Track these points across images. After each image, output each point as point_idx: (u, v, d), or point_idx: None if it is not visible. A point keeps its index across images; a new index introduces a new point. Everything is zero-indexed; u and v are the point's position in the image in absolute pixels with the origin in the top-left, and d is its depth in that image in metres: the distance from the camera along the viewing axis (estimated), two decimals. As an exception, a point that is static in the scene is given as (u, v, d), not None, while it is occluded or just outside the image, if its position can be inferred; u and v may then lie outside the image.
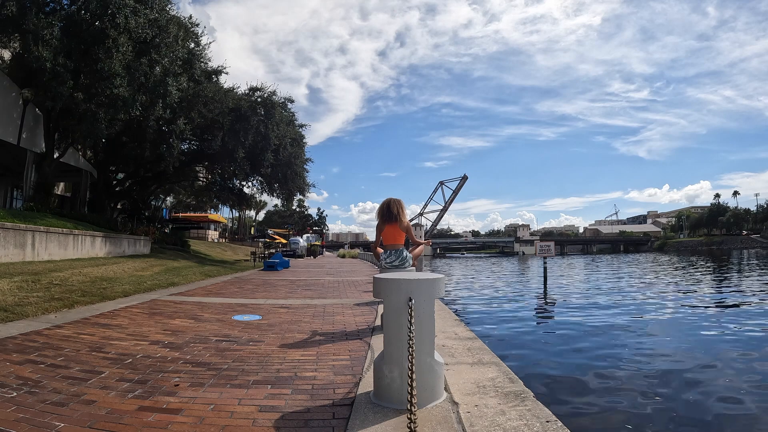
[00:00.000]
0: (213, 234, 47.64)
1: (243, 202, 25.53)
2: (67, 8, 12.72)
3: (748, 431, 3.44)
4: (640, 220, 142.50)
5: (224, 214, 60.10)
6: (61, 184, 22.85)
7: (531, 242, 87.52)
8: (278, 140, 18.78)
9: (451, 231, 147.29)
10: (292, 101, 20.71)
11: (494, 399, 2.16)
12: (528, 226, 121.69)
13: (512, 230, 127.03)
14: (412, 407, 1.51)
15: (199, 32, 17.43)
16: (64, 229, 10.62)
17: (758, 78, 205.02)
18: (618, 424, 3.57)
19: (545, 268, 14.67)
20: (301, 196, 28.83)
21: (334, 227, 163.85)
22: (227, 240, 50.32)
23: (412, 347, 1.72)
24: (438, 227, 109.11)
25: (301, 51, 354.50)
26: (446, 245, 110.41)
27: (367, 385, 2.38)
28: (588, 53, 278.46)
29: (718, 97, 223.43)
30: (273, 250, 25.10)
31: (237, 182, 22.40)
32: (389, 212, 4.11)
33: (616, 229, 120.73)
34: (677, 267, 26.90)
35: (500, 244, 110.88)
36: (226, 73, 19.24)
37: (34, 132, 14.15)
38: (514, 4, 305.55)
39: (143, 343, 3.43)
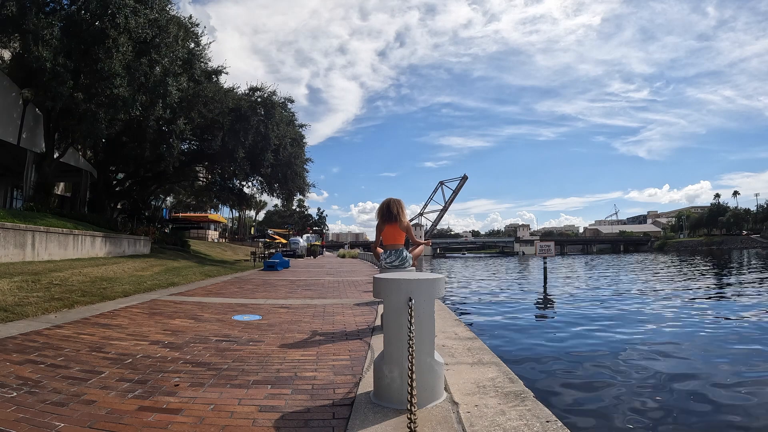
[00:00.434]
0: (213, 234, 47.64)
1: (243, 202, 25.53)
2: (67, 8, 12.72)
3: (750, 429, 3.44)
4: (640, 220, 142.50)
5: (224, 214, 60.19)
6: (61, 184, 22.86)
7: (531, 242, 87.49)
8: (278, 140, 18.78)
9: (451, 231, 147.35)
10: (292, 101, 20.73)
11: (494, 399, 2.16)
12: (528, 226, 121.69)
13: (512, 230, 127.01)
14: (412, 407, 1.51)
15: (199, 32, 17.45)
16: (64, 229, 10.62)
17: (758, 78, 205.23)
18: (618, 424, 3.57)
19: (545, 268, 14.68)
20: (301, 196, 28.87)
21: (334, 227, 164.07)
22: (227, 240, 50.32)
23: (412, 347, 1.72)
24: (438, 227, 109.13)
25: (300, 51, 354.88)
26: (446, 245, 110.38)
27: (367, 385, 2.38)
28: (588, 53, 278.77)
29: (718, 97, 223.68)
30: (273, 250, 25.10)
31: (237, 182, 22.41)
32: (389, 212, 4.11)
33: (616, 229, 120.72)
34: (677, 267, 26.91)
35: (500, 244, 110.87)
36: (226, 73, 19.26)
37: (34, 132, 14.16)
38: (514, 4, 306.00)
39: (143, 343, 3.44)
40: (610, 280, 18.49)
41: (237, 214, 63.03)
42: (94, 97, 12.36)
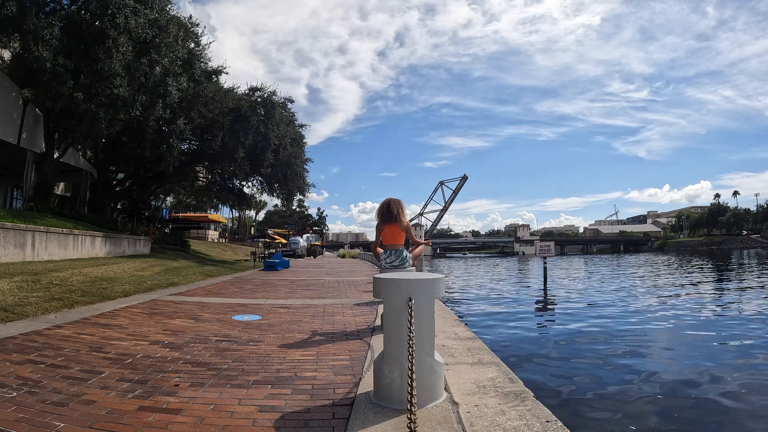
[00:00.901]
0: (213, 234, 47.64)
1: (243, 202, 25.53)
2: (67, 8, 12.72)
3: (749, 429, 3.44)
4: (640, 220, 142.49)
5: (224, 214, 60.17)
6: (61, 184, 22.85)
7: (531, 242, 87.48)
8: (278, 140, 18.78)
9: (451, 231, 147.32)
10: (292, 101, 20.74)
11: (494, 399, 2.16)
12: (528, 226, 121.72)
13: (512, 230, 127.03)
14: (412, 407, 1.51)
15: (200, 32, 17.46)
16: (64, 229, 10.62)
17: (758, 78, 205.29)
18: (619, 424, 3.57)
19: (545, 268, 14.68)
20: (301, 196, 28.86)
21: (334, 227, 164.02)
22: (227, 240, 50.31)
23: (412, 347, 1.72)
24: (438, 227, 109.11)
25: (300, 51, 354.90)
26: (446, 245, 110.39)
27: (367, 385, 2.38)
28: (587, 53, 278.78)
29: (718, 97, 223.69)
30: (273, 250, 25.10)
31: (237, 182, 22.41)
32: (389, 212, 4.11)
33: (616, 229, 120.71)
34: (677, 267, 26.92)
35: (500, 244, 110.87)
36: (226, 73, 19.27)
37: (34, 132, 14.15)
38: (514, 4, 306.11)
39: (143, 343, 3.43)
40: (611, 281, 18.49)
41: (237, 214, 63.04)
42: (94, 97, 12.36)
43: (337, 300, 6.48)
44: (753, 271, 20.80)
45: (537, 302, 11.86)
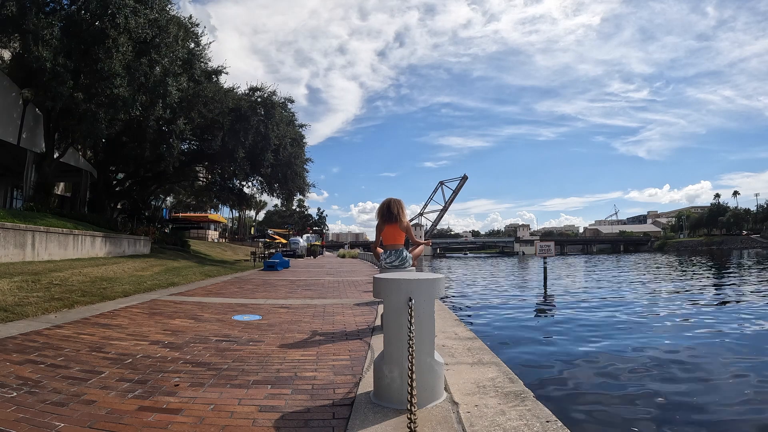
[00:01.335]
0: (213, 234, 47.64)
1: (243, 202, 25.53)
2: (67, 8, 12.72)
3: (750, 429, 3.44)
4: (640, 220, 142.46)
5: (224, 214, 60.19)
6: (61, 184, 22.85)
7: (531, 242, 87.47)
8: (278, 140, 18.78)
9: (451, 231, 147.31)
10: (292, 101, 20.74)
11: (494, 399, 2.16)
12: (528, 226, 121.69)
13: (512, 230, 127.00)
14: (412, 407, 1.51)
15: (200, 32, 17.46)
16: (64, 229, 10.62)
17: (758, 78, 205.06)
18: (619, 424, 3.57)
19: (545, 268, 14.68)
20: (301, 196, 28.87)
21: (334, 227, 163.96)
22: (227, 240, 50.32)
23: (412, 347, 1.72)
24: (438, 227, 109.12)
25: (300, 51, 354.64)
26: (446, 245, 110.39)
27: (367, 385, 2.38)
28: (587, 53, 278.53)
29: (718, 97, 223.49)
30: (273, 250, 25.10)
31: (237, 182, 22.41)
32: (389, 212, 4.11)
33: (616, 229, 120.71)
34: (678, 267, 26.92)
35: (500, 244, 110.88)
36: (226, 73, 19.26)
37: (34, 132, 14.16)
38: (513, 4, 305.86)
39: (143, 343, 3.44)
40: (611, 281, 18.49)
41: (237, 214, 63.05)
42: (94, 97, 12.36)
43: (337, 300, 6.48)
44: (752, 272, 20.81)
45: (537, 302, 11.87)
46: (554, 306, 11.01)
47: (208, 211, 50.54)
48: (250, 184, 22.76)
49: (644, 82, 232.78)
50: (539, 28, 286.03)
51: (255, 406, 2.13)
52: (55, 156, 14.71)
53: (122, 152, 18.36)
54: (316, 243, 46.23)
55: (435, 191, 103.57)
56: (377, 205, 4.33)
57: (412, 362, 1.65)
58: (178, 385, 2.43)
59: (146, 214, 24.61)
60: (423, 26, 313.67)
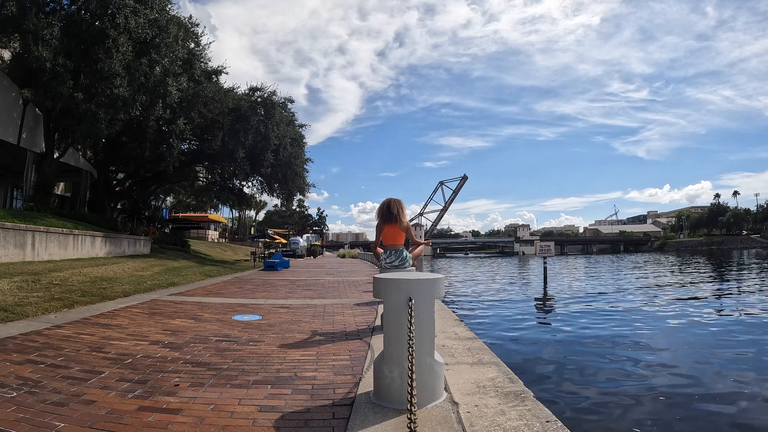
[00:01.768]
0: (213, 234, 47.64)
1: (243, 202, 25.53)
2: (67, 8, 12.72)
3: (750, 428, 3.44)
4: (640, 220, 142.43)
5: (224, 214, 60.17)
6: (61, 184, 22.85)
7: (531, 242, 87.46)
8: (278, 140, 18.78)
9: (451, 231, 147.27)
10: (292, 101, 20.74)
11: (494, 399, 2.16)
12: (528, 226, 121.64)
13: (512, 230, 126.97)
14: (412, 407, 1.51)
15: (200, 32, 17.46)
16: (64, 229, 10.62)
17: (758, 78, 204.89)
18: (619, 424, 3.57)
19: (545, 268, 14.68)
20: (301, 196, 28.87)
21: (334, 227, 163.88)
22: (227, 240, 50.32)
23: (412, 347, 1.72)
24: (438, 227, 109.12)
25: (300, 51, 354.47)
26: (446, 245, 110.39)
27: (367, 385, 2.38)
28: (587, 53, 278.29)
29: (718, 97, 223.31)
30: (273, 250, 25.10)
31: (237, 182, 22.42)
32: (389, 212, 4.11)
33: (616, 229, 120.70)
34: (678, 267, 26.92)
35: (500, 244, 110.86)
36: (226, 73, 19.28)
37: (34, 132, 14.16)
38: (513, 4, 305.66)
39: (143, 343, 3.44)
40: (611, 281, 18.49)
41: (237, 214, 63.04)
42: (94, 97, 12.36)
43: (337, 300, 6.48)
44: (752, 272, 20.81)
45: (537, 302, 11.87)
46: (554, 306, 11.00)
47: (208, 211, 50.53)
48: (250, 184, 22.79)
49: (644, 82, 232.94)
50: (539, 28, 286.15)
51: (255, 406, 2.13)
52: (55, 156, 14.71)
53: (122, 152, 18.36)
54: (316, 243, 46.23)
55: (435, 191, 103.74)
56: (377, 205, 4.33)
57: (412, 362, 1.65)
58: (178, 385, 2.43)
59: (146, 214, 24.61)
60: (423, 26, 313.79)
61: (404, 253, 4.16)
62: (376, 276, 2.27)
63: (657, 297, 11.97)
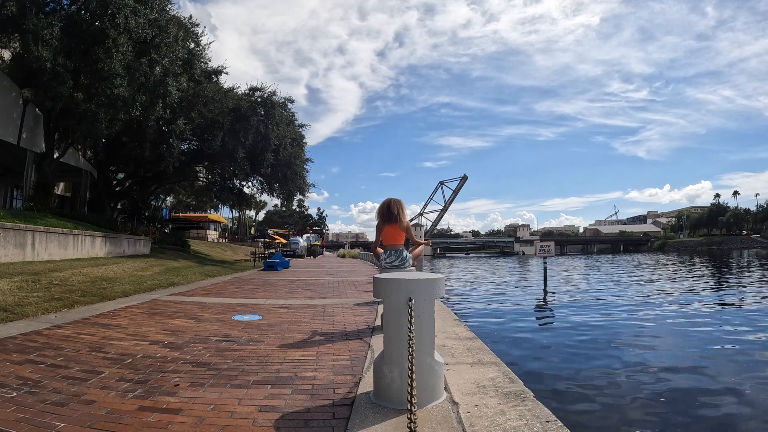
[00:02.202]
0: (213, 234, 47.63)
1: (243, 202, 25.53)
2: (67, 8, 12.72)
3: (751, 428, 3.44)
4: (640, 219, 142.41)
5: (224, 214, 60.16)
6: (61, 184, 22.85)
7: (531, 242, 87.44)
8: (278, 140, 18.78)
9: (451, 231, 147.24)
10: (292, 101, 20.74)
11: (494, 399, 2.16)
12: (528, 226, 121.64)
13: (512, 230, 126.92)
14: (412, 407, 1.51)
15: (200, 32, 17.46)
16: (64, 229, 10.62)
17: (757, 78, 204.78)
18: (619, 424, 3.57)
19: (545, 268, 14.68)
20: (301, 196, 28.87)
21: (334, 227, 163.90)
22: (227, 240, 50.31)
23: (412, 347, 1.72)
24: (438, 227, 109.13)
25: (300, 51, 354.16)
26: (446, 245, 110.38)
27: (367, 385, 2.38)
28: (587, 53, 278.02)
29: (718, 97, 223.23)
30: (273, 250, 25.09)
31: (237, 182, 22.41)
32: (389, 212, 4.11)
33: (616, 229, 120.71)
34: (678, 267, 26.91)
35: (500, 244, 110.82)
36: (226, 73, 19.27)
37: (34, 132, 14.15)
38: (513, 4, 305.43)
39: (143, 343, 3.44)
40: (611, 281, 18.49)
41: (237, 214, 63.03)
42: (94, 97, 12.36)
43: (337, 300, 6.48)
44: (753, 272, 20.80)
45: (537, 302, 11.86)
46: (554, 306, 11.00)
47: (208, 211, 50.53)
48: (250, 184, 22.79)
49: (644, 82, 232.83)
50: (539, 28, 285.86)
51: (255, 406, 2.13)
52: (55, 156, 14.71)
53: (122, 152, 18.35)
54: (316, 243, 46.20)
55: (435, 191, 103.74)
56: (377, 205, 4.33)
57: (412, 362, 1.65)
58: (178, 385, 2.43)
59: (146, 214, 24.60)
60: (422, 26, 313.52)
61: (404, 253, 4.16)
62: (376, 276, 2.27)
63: (657, 297, 11.97)
